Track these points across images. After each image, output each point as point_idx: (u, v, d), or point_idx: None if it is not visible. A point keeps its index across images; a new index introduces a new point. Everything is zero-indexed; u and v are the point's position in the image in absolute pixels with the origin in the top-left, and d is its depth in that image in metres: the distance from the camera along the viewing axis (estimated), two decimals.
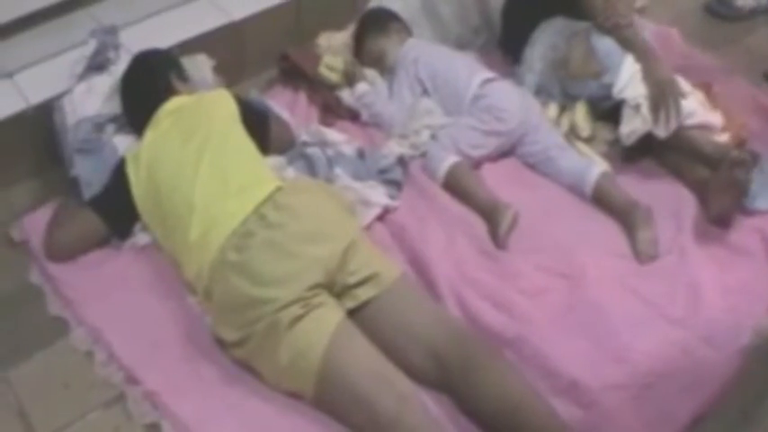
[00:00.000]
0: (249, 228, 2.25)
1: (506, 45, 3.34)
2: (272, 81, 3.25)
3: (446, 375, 2.22)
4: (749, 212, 2.88)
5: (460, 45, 3.38)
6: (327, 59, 3.16)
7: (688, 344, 2.46)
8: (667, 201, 2.88)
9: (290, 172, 2.68)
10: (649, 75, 2.94)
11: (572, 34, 3.10)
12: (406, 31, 3.23)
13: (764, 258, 2.75)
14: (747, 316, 2.57)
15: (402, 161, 2.84)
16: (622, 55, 2.98)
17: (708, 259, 2.73)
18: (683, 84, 3.02)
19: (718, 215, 2.84)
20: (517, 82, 3.14)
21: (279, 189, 2.36)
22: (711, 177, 2.86)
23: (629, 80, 2.94)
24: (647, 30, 3.39)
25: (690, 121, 2.95)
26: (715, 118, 3.06)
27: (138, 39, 3.01)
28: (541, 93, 3.11)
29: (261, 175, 2.42)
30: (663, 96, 2.90)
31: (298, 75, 3.18)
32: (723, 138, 3.02)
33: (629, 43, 3.01)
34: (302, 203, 2.33)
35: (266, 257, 2.20)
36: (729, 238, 2.81)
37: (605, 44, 3.02)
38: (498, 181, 2.88)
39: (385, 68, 3.14)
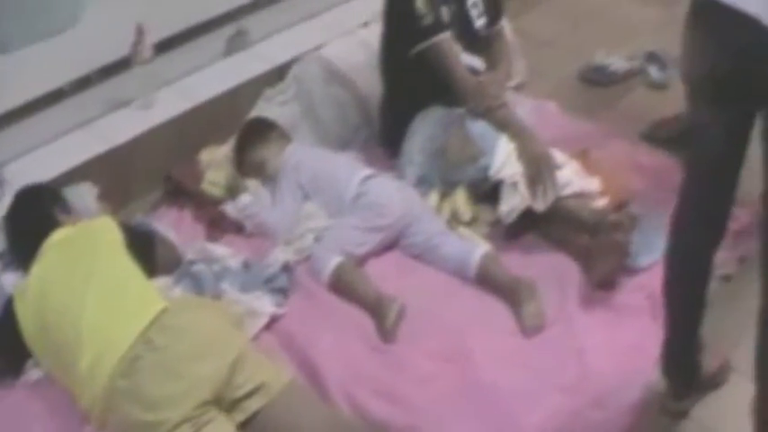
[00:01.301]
0: (136, 352, 2.40)
1: (386, 140, 3.56)
2: (158, 202, 3.42)
3: None
4: (633, 272, 3.10)
5: (341, 144, 3.60)
6: (210, 175, 3.35)
7: (580, 409, 2.66)
8: (551, 272, 3.10)
9: (177, 291, 2.85)
10: (524, 152, 3.18)
11: (448, 122, 3.33)
12: (286, 137, 3.43)
13: (650, 315, 2.95)
14: (636, 373, 2.77)
15: (287, 267, 3.01)
16: (497, 136, 3.23)
17: (594, 324, 2.94)
18: (559, 155, 3.26)
19: (603, 279, 3.06)
20: (398, 175, 3.35)
21: (164, 311, 2.51)
22: (592, 243, 3.09)
23: (504, 160, 3.18)
24: (525, 105, 3.65)
25: (567, 192, 3.19)
26: (592, 184, 3.29)
27: (21, 173, 3.18)
28: (422, 183, 3.32)
29: (146, 298, 2.58)
30: (538, 172, 3.14)
31: (182, 193, 3.37)
32: (602, 202, 3.26)
33: (502, 124, 3.26)
34: (187, 323, 2.49)
35: (154, 380, 2.35)
36: (615, 300, 3.04)
37: (480, 128, 3.26)
38: (384, 275, 3.06)
39: (267, 177, 3.33)
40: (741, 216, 2.99)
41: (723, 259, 2.91)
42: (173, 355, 2.39)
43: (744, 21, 2.25)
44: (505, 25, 3.73)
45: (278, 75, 3.73)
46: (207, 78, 3.70)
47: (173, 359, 2.39)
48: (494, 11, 3.56)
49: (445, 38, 3.30)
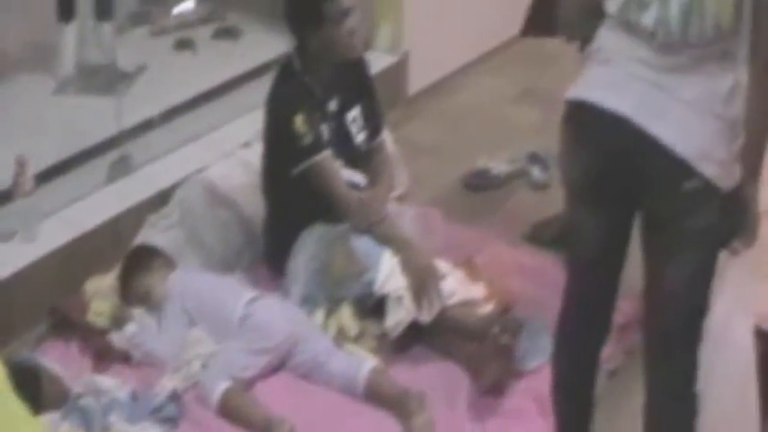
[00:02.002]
0: None
1: (270, 260, 3.64)
2: (43, 335, 3.43)
3: None
4: (521, 375, 3.23)
5: (226, 267, 3.67)
6: (95, 305, 3.40)
7: None
8: (440, 381, 3.20)
9: (65, 427, 2.88)
10: (407, 265, 3.31)
11: (331, 240, 3.44)
12: (170, 264, 3.50)
13: (539, 416, 3.07)
14: None
15: (175, 396, 3.07)
16: (380, 251, 3.35)
17: (485, 430, 3.04)
18: (443, 265, 3.40)
19: (491, 384, 3.17)
20: (283, 295, 3.43)
21: None
22: (479, 350, 3.20)
23: (388, 274, 3.30)
24: (409, 215, 3.77)
25: (452, 301, 3.32)
26: (477, 291, 3.43)
27: None
28: (308, 301, 3.39)
29: None
30: (422, 284, 3.27)
31: (68, 325, 3.40)
32: (487, 308, 3.38)
33: (385, 238, 3.39)
34: None
35: None
36: (504, 405, 3.15)
37: (363, 243, 3.38)
38: (273, 397, 3.12)
39: (152, 305, 3.38)
40: (625, 309, 3.08)
41: (609, 354, 3.01)
42: None
43: (615, 121, 2.40)
44: (386, 137, 3.88)
45: (161, 199, 3.80)
46: (90, 207, 3.76)
47: None
48: (373, 125, 3.70)
49: (325, 156, 3.42)
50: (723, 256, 2.58)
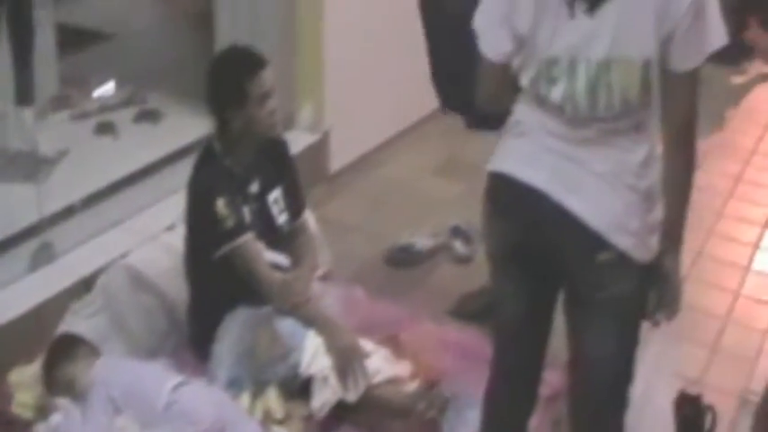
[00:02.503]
0: None
1: (195, 344, 3.66)
2: None
3: None
4: None
5: (151, 353, 3.67)
6: (19, 396, 3.40)
7: None
8: None
9: None
10: (332, 345, 3.36)
11: (256, 322, 3.47)
12: (94, 352, 3.48)
13: None
14: None
15: None
16: (305, 332, 3.40)
17: None
18: (367, 343, 3.45)
19: None
20: (209, 379, 3.45)
21: None
22: (405, 427, 3.26)
23: (313, 355, 3.36)
24: (332, 294, 3.83)
25: (377, 379, 3.38)
26: (403, 368, 3.48)
27: None
28: (233, 385, 3.41)
29: None
30: (347, 363, 3.33)
31: None
32: (413, 385, 3.44)
33: (309, 319, 3.44)
34: None
35: None
36: None
37: (288, 325, 3.43)
38: None
39: (77, 394, 3.37)
40: (552, 380, 3.15)
41: (536, 425, 3.07)
42: None
43: (530, 194, 2.48)
44: (308, 216, 3.94)
45: (84, 287, 3.81)
46: (12, 296, 3.75)
47: None
48: (295, 205, 3.76)
49: (247, 239, 3.45)
50: (654, 326, 2.65)
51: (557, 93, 2.43)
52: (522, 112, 2.57)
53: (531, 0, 2.40)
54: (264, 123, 3.49)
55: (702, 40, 2.36)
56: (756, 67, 7.84)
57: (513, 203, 2.57)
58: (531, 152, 2.53)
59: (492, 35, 2.53)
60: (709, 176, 5.49)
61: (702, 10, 2.33)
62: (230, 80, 3.47)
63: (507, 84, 2.58)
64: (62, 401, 3.37)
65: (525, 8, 2.42)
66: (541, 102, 2.48)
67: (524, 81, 2.51)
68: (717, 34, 2.37)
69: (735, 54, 7.01)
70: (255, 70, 3.42)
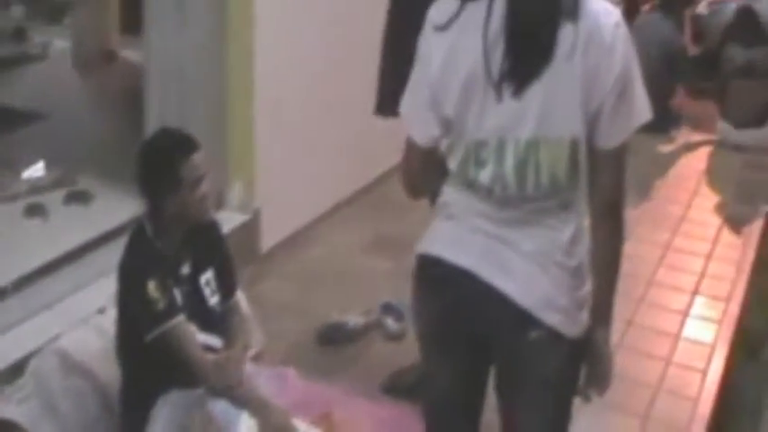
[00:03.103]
0: None
1: (128, 428, 3.64)
2: None
3: None
4: None
5: None
6: None
7: None
8: None
9: None
10: (265, 426, 3.39)
11: (189, 404, 3.49)
12: None
13: None
14: None
15: None
16: (238, 413, 3.42)
17: None
18: (300, 424, 3.49)
19: None
20: None
21: None
22: None
23: None
24: (265, 374, 3.87)
25: None
26: None
27: None
28: None
29: None
30: None
31: None
32: None
33: (242, 400, 3.46)
34: None
35: None
36: None
37: (221, 407, 3.45)
38: None
39: None
40: None
41: None
42: None
43: (460, 275, 2.52)
44: (240, 297, 3.99)
45: (15, 371, 3.80)
46: None
47: None
48: (227, 286, 3.79)
49: (179, 321, 3.47)
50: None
51: (485, 175, 2.48)
52: (451, 194, 2.62)
53: (458, 84, 2.45)
54: (196, 208, 3.52)
55: (628, 117, 2.44)
56: (684, 136, 8.07)
57: (442, 284, 2.61)
58: (459, 234, 2.58)
59: (419, 119, 2.56)
60: (639, 245, 5.63)
61: (627, 87, 2.42)
62: (162, 165, 3.48)
63: (434, 167, 2.62)
64: None
65: (452, 92, 2.46)
66: (470, 184, 2.53)
67: (452, 164, 2.55)
68: (642, 110, 2.46)
69: (662, 123, 7.26)
70: (187, 155, 3.45)
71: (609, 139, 2.46)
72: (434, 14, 2.52)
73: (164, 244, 3.56)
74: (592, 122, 2.42)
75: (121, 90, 6.35)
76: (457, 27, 2.46)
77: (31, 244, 4.60)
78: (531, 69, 2.40)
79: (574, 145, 2.43)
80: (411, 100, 2.59)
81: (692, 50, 9.31)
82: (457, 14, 2.46)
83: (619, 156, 2.49)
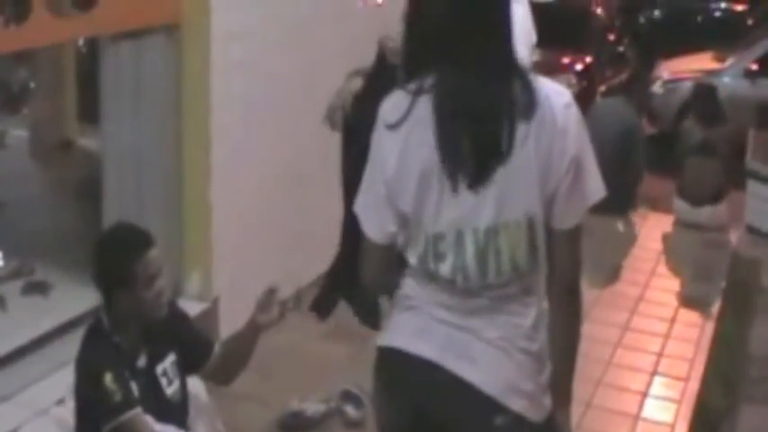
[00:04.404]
0: None
1: None
2: None
3: None
4: None
5: None
6: None
7: None
8: None
9: None
10: None
11: None
12: None
13: None
14: None
15: None
16: None
17: None
18: None
19: None
20: None
21: None
22: None
23: None
24: None
25: None
26: None
27: None
28: None
29: None
30: None
31: None
32: None
33: None
34: None
35: None
36: None
37: None
38: None
39: None
40: None
41: None
42: None
43: (423, 366, 2.57)
44: (200, 387, 4.05)
45: None
46: None
47: None
48: (203, 349, 3.85)
49: (135, 413, 3.50)
50: None
51: (445, 267, 2.53)
52: (411, 286, 2.66)
53: (414, 179, 2.51)
54: (151, 305, 3.56)
55: (582, 197, 2.52)
56: (641, 215, 8.20)
57: (405, 377, 2.65)
58: (421, 325, 2.62)
59: (375, 216, 2.61)
60: (596, 326, 5.70)
61: (582, 167, 2.49)
62: (116, 262, 3.54)
63: (392, 263, 2.67)
64: None
65: (408, 187, 2.52)
66: (431, 277, 2.58)
67: (412, 258, 2.60)
68: (595, 189, 2.53)
69: (619, 204, 7.42)
70: (142, 252, 3.51)
71: (565, 220, 2.53)
72: (386, 112, 2.58)
73: (120, 337, 3.60)
74: (548, 204, 2.50)
75: (79, 179, 6.40)
76: (409, 123, 2.52)
77: None
78: (489, 165, 2.47)
79: (531, 227, 2.50)
80: (365, 199, 2.64)
81: (649, 130, 9.50)
82: (408, 110, 2.52)
83: (575, 236, 2.57)
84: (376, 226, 2.63)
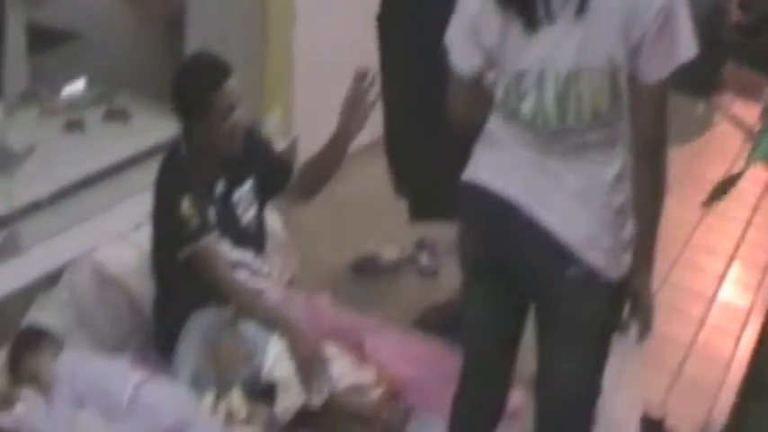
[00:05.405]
0: None
1: (160, 342, 3.74)
2: None
3: None
4: None
5: (116, 349, 3.75)
6: None
7: None
8: None
9: None
10: (295, 349, 3.43)
11: (221, 323, 3.56)
12: (59, 345, 3.56)
13: None
14: None
15: None
16: (268, 335, 3.47)
17: None
18: (331, 348, 3.53)
19: None
20: (172, 377, 3.53)
21: None
22: None
23: (276, 359, 3.43)
24: (298, 299, 3.91)
25: (340, 385, 3.45)
26: (367, 375, 3.57)
27: None
28: (197, 384, 3.49)
29: None
30: (310, 368, 3.39)
31: None
32: (376, 394, 3.53)
33: (272, 323, 3.51)
34: None
35: None
36: None
37: (251, 328, 3.51)
38: None
39: (41, 386, 3.44)
40: (515, 395, 3.16)
41: None
42: None
43: (501, 204, 2.54)
44: (276, 220, 4.03)
45: (51, 280, 3.87)
46: None
47: None
48: (283, 173, 3.88)
49: (210, 241, 3.53)
50: (621, 346, 2.70)
51: (527, 106, 2.49)
52: (496, 124, 2.64)
53: (497, 15, 2.47)
54: (227, 136, 3.57)
55: (671, 51, 2.39)
56: (725, 101, 8.01)
57: (484, 213, 2.63)
58: (504, 163, 2.59)
59: (461, 50, 2.60)
60: (678, 206, 5.59)
61: (672, 19, 2.37)
62: (194, 91, 3.54)
63: (479, 98, 2.65)
64: (26, 392, 3.44)
65: (492, 23, 2.49)
66: (513, 115, 2.55)
67: (498, 94, 2.58)
68: (686, 45, 2.40)
69: (705, 86, 7.22)
70: (220, 82, 3.49)
71: (650, 73, 2.42)
72: None
73: (198, 164, 3.62)
74: (633, 54, 2.40)
75: (163, 11, 6.33)
76: None
77: (69, 158, 4.63)
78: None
79: (614, 75, 2.42)
80: (453, 31, 2.62)
81: (737, 15, 9.23)
82: None
83: (660, 92, 2.45)
84: (461, 59, 2.62)
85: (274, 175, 3.85)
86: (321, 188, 3.90)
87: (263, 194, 3.87)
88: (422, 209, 4.19)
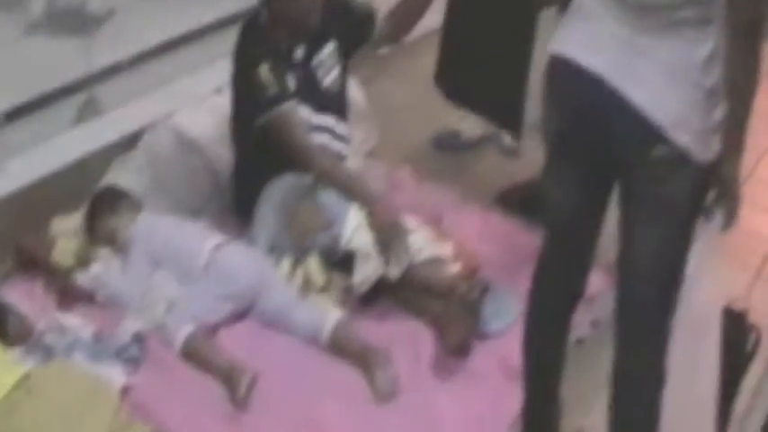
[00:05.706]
0: None
1: (238, 208, 3.73)
2: (8, 273, 3.49)
3: None
4: (485, 337, 3.32)
5: (193, 212, 3.75)
6: (61, 244, 3.48)
7: None
8: (405, 338, 3.30)
9: (30, 363, 2.96)
10: (374, 220, 3.37)
11: (299, 190, 3.52)
12: (137, 206, 3.57)
13: (502, 379, 3.17)
14: None
15: (139, 338, 3.16)
16: (347, 205, 3.42)
17: (447, 390, 3.14)
18: (410, 221, 3.47)
19: (455, 345, 3.25)
20: (250, 242, 3.51)
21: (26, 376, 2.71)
22: (444, 310, 3.30)
23: (355, 229, 3.38)
24: (378, 170, 3.86)
25: (419, 258, 3.40)
26: (445, 250, 3.52)
27: None
28: (274, 250, 3.47)
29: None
30: (390, 239, 3.34)
31: (33, 263, 3.47)
32: (455, 268, 3.48)
33: (352, 192, 3.45)
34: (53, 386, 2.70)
35: None
36: (467, 366, 3.24)
37: (330, 196, 3.46)
38: (237, 343, 3.22)
39: (118, 246, 3.47)
40: (594, 280, 3.06)
41: (576, 322, 3.02)
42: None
43: (589, 78, 2.42)
44: (357, 91, 3.95)
45: (129, 143, 3.86)
46: (57, 147, 3.79)
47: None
48: (366, 28, 3.81)
49: (288, 108, 3.49)
50: (705, 236, 2.61)
51: None
52: None
53: None
54: (305, 8, 3.54)
55: None
56: None
57: (570, 86, 2.52)
58: (593, 35, 2.47)
59: None
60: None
61: None
62: None
63: None
64: (103, 252, 3.46)
65: None
66: None
67: None
68: None
69: None
70: None
71: None
72: None
73: (277, 31, 3.58)
74: None
75: None
76: None
77: (149, 22, 4.54)
78: None
79: None
80: None
81: None
82: None
83: None
84: None
85: (356, 29, 3.79)
86: (414, 24, 3.86)
87: (348, 50, 3.80)
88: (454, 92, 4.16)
